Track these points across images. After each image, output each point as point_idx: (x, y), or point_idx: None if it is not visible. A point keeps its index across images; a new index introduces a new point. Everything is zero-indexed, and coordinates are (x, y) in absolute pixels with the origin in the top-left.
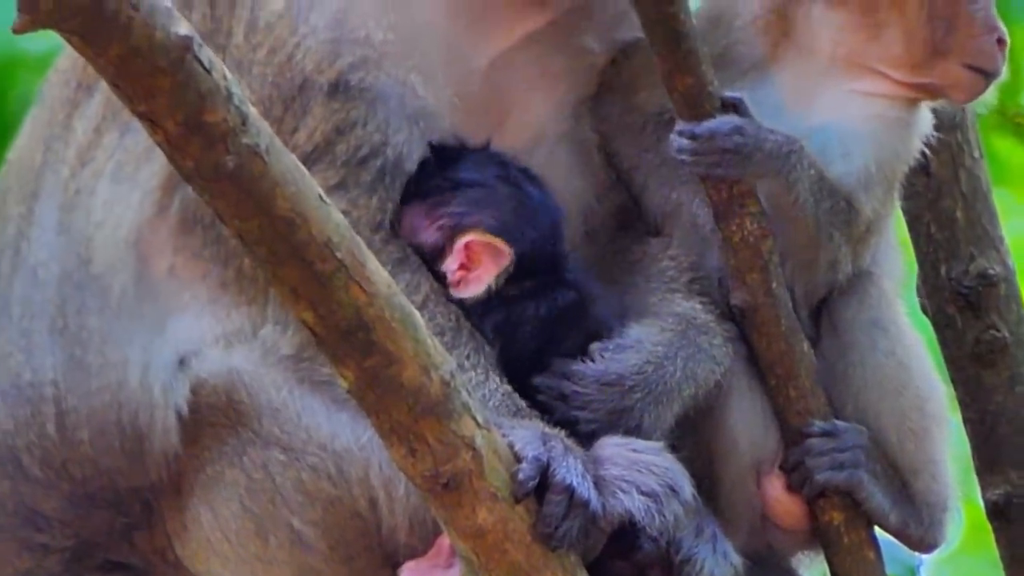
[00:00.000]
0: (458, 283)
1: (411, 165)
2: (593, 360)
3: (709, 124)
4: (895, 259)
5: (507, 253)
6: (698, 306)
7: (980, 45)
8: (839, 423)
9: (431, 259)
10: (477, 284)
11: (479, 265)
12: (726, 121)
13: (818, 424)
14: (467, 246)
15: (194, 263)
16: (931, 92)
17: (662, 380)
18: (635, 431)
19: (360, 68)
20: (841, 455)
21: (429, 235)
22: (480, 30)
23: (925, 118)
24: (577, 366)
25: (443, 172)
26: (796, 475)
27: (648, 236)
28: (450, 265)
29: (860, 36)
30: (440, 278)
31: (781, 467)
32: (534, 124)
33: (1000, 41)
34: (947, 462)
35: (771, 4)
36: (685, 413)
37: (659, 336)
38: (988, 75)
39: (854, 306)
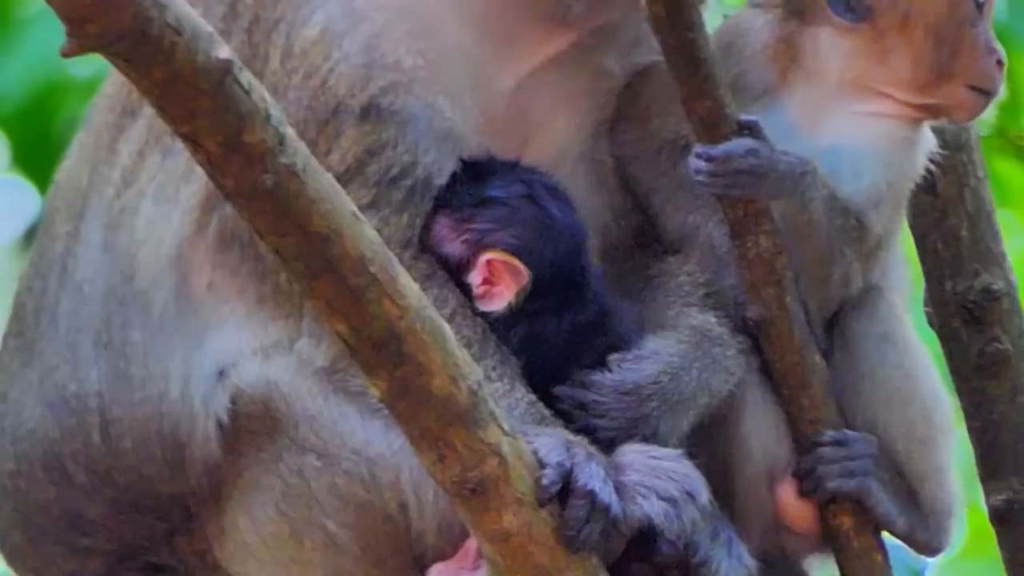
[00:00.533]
0: (482, 297)
1: (440, 184)
2: (611, 370)
3: (725, 146)
4: (903, 274)
5: (525, 273)
6: (713, 319)
7: (982, 67)
8: (850, 432)
9: (457, 270)
10: (499, 300)
11: (500, 282)
12: (741, 143)
13: (829, 433)
14: (489, 263)
15: (232, 279)
16: (935, 112)
17: (678, 389)
18: (652, 438)
19: (390, 92)
20: (851, 463)
21: (455, 248)
22: (506, 53)
23: (928, 137)
24: (596, 376)
25: (472, 186)
26: (808, 482)
27: (665, 254)
28: (474, 279)
29: (868, 61)
30: (465, 289)
31: (794, 474)
32: (557, 144)
33: (999, 62)
34: (952, 470)
35: (780, 33)
36: (700, 421)
37: (675, 348)
38: (989, 95)
39: (864, 320)
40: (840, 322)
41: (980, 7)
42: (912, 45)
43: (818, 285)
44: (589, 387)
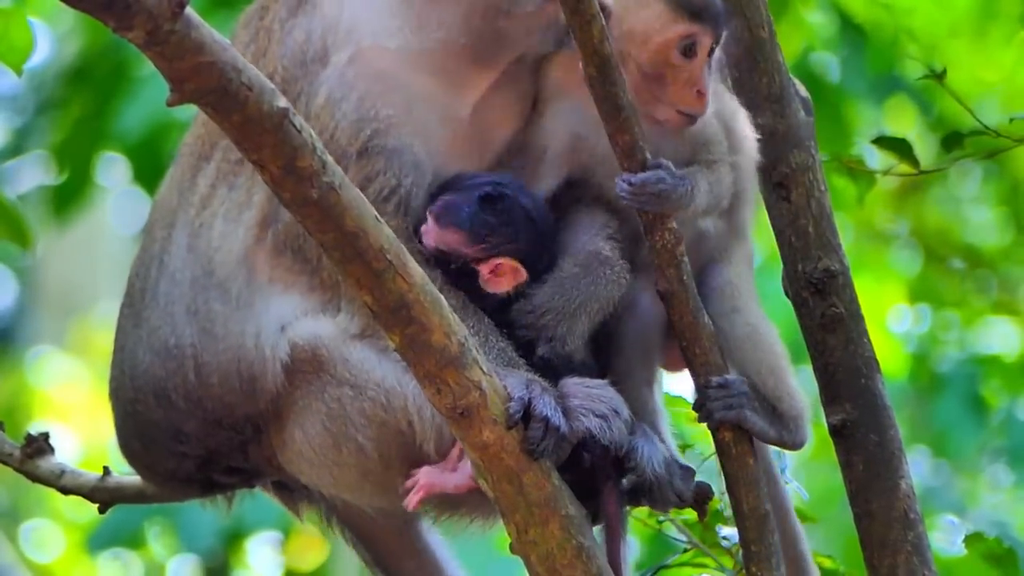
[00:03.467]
0: (487, 282)
1: (420, 197)
2: (524, 298)
3: (643, 175)
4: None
5: (524, 274)
6: (605, 246)
7: (684, 96)
8: (728, 376)
9: (465, 262)
10: (500, 287)
11: (504, 277)
12: (653, 175)
13: (714, 379)
14: (498, 265)
15: (287, 275)
16: (656, 122)
17: (567, 302)
18: (554, 339)
19: (375, 136)
20: (731, 399)
21: (472, 251)
22: (459, 89)
23: (714, 128)
24: (516, 304)
25: (484, 211)
26: (702, 414)
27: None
28: (483, 270)
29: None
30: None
31: (694, 408)
32: (503, 145)
33: (699, 92)
34: (797, 386)
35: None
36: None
37: (568, 271)
38: (692, 116)
39: (719, 302)
40: (707, 305)
41: (688, 54)
42: (630, 76)
43: (712, 215)
44: (511, 313)
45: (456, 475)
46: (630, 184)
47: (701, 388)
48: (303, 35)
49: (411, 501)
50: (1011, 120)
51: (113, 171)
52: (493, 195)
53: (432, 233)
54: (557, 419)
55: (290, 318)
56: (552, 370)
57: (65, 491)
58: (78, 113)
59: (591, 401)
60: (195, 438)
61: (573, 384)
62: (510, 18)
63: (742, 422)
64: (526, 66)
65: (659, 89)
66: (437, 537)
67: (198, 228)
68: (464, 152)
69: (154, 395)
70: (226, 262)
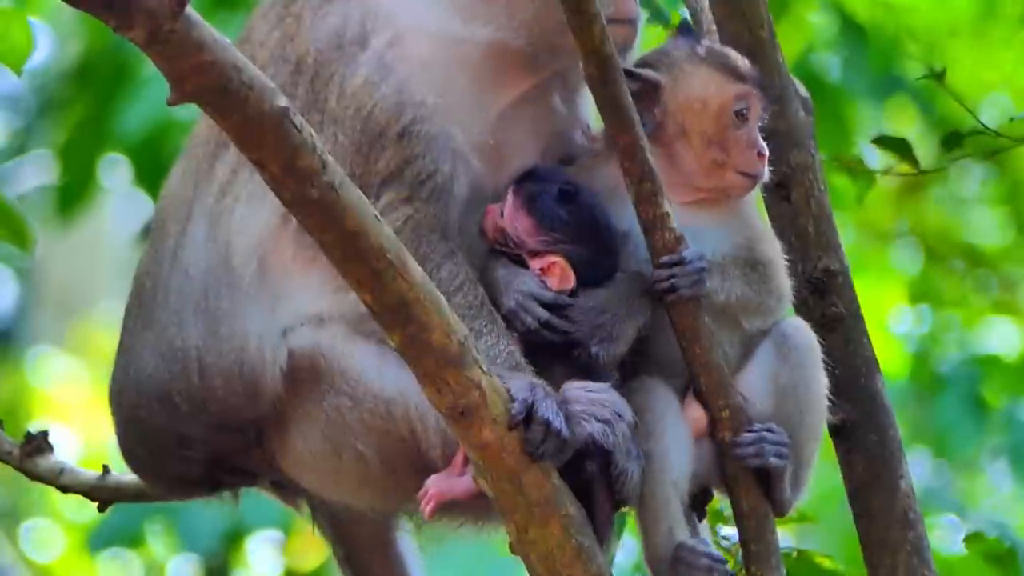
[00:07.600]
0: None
1: (457, 185)
2: (580, 296)
3: (681, 254)
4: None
5: (572, 280)
6: (643, 271)
7: (747, 158)
8: (769, 424)
9: (523, 253)
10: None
11: (553, 276)
12: (692, 252)
13: (758, 425)
14: (553, 263)
15: (308, 251)
16: (719, 192)
17: (623, 308)
18: (607, 338)
19: (418, 122)
20: (782, 448)
21: (533, 240)
22: (492, 92)
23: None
24: (573, 300)
25: (558, 204)
26: (750, 456)
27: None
28: (535, 265)
29: (668, 163)
30: (517, 260)
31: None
32: (522, 158)
33: (760, 154)
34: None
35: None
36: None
37: (622, 283)
38: (755, 177)
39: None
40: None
41: (742, 117)
42: (691, 148)
43: (758, 317)
44: (568, 307)
45: (464, 479)
46: (671, 264)
47: (745, 429)
48: (339, 19)
49: (426, 512)
50: (1011, 120)
51: (114, 172)
52: (570, 192)
53: (508, 211)
54: (559, 423)
55: (292, 321)
56: (587, 374)
57: (64, 489)
58: (80, 114)
59: (593, 406)
60: (199, 442)
61: (576, 388)
62: (566, 36)
63: (779, 474)
64: (550, 93)
65: (721, 155)
66: (411, 544)
67: (218, 216)
68: (484, 159)
69: (158, 399)
70: (244, 247)
